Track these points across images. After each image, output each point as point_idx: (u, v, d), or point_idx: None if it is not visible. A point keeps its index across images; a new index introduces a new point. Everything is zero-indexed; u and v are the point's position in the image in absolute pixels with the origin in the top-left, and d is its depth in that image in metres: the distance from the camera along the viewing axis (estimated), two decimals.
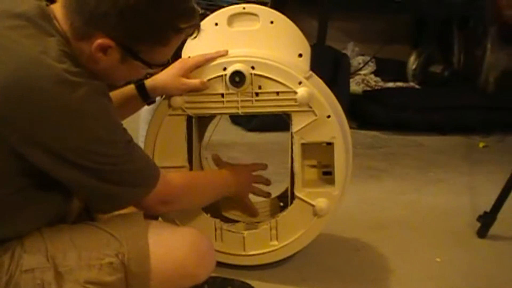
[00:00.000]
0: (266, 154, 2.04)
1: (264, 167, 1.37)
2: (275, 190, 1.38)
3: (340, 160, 1.22)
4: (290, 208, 1.25)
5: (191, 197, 1.10)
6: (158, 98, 1.22)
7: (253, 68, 1.18)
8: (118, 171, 0.91)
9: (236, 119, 2.50)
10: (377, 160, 2.12)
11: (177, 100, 1.20)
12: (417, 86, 3.07)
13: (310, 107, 1.19)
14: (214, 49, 1.21)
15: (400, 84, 3.06)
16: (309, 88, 1.18)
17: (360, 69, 3.07)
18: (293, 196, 1.25)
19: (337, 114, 1.24)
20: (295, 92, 1.18)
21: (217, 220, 1.27)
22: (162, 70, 1.13)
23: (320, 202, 1.23)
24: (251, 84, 1.18)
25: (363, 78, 3.02)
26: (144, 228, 0.97)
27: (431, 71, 3.09)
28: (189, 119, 1.23)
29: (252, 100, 1.19)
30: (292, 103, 1.19)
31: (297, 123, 1.20)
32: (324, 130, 1.20)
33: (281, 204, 1.39)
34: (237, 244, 1.26)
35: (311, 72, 1.24)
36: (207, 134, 1.39)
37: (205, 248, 1.02)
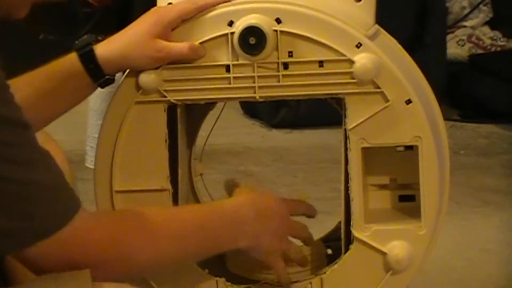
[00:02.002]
0: (301, 166, 2.05)
1: (312, 211, 1.36)
2: (319, 228, 1.38)
3: (430, 177, 1.21)
4: (345, 257, 1.25)
5: (142, 259, 1.06)
6: (118, 75, 1.23)
7: (278, 21, 1.17)
8: None
9: (252, 109, 2.51)
10: (496, 175, 2.12)
11: (151, 78, 1.19)
12: None
13: (378, 87, 1.17)
14: None
15: None
16: (374, 54, 1.17)
17: (465, 17, 3.03)
18: (349, 238, 1.25)
19: (423, 97, 1.22)
20: (351, 61, 1.17)
21: (221, 280, 1.27)
22: (122, 25, 1.16)
23: (397, 249, 1.22)
24: (276, 49, 1.17)
25: (471, 33, 2.97)
26: None
27: None
28: (171, 109, 1.23)
29: (277, 77, 1.18)
30: (346, 79, 1.18)
31: (355, 114, 1.19)
32: (402, 125, 1.19)
33: (329, 251, 1.38)
34: None
35: (377, 27, 1.22)
36: (201, 135, 1.38)
37: None
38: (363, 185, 1.22)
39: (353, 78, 1.17)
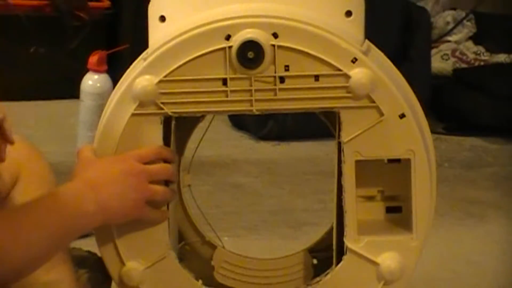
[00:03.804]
0: (289, 178, 2.05)
1: (170, 154, 1.25)
2: (306, 238, 1.37)
3: (422, 189, 1.21)
4: (337, 268, 1.24)
5: None
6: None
7: (275, 36, 1.16)
8: None
9: (240, 121, 2.50)
10: (480, 187, 2.13)
11: (148, 91, 1.18)
12: None
13: (372, 101, 1.17)
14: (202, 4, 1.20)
15: None
16: (369, 69, 1.17)
17: (450, 32, 3.04)
18: (341, 249, 1.24)
19: (413, 111, 1.22)
20: (347, 76, 1.17)
21: None
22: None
23: (389, 259, 1.22)
24: (274, 63, 1.17)
25: (455, 47, 2.98)
26: None
27: None
28: (166, 121, 1.22)
29: (274, 90, 1.18)
30: (342, 93, 1.17)
31: (350, 127, 1.19)
32: (396, 138, 1.19)
33: (314, 261, 1.39)
34: None
35: (368, 42, 1.22)
36: (189, 146, 1.38)
37: None
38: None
39: (348, 92, 1.17)
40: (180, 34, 1.18)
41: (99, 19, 2.37)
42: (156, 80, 1.18)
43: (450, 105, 2.56)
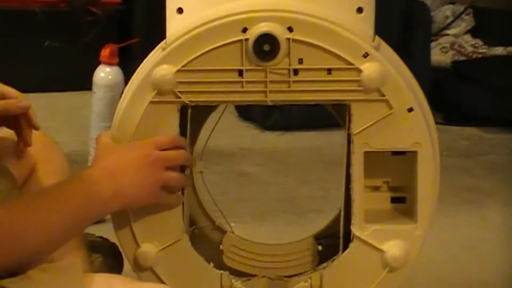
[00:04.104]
0: (294, 166, 2.07)
1: (184, 142, 1.25)
2: (309, 225, 1.38)
3: (426, 181, 1.23)
4: (344, 254, 1.26)
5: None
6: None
7: (290, 30, 1.17)
8: None
9: (246, 112, 2.50)
10: (477, 175, 2.14)
11: (167, 79, 1.20)
12: None
13: (382, 94, 1.19)
14: None
15: None
16: (380, 63, 1.18)
17: (448, 26, 3.02)
18: (347, 236, 1.26)
19: (421, 106, 1.24)
20: (359, 70, 1.18)
21: (225, 274, 1.28)
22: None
23: (394, 247, 1.23)
24: (288, 55, 1.17)
25: (453, 41, 2.96)
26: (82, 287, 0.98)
27: None
28: (182, 110, 1.23)
29: (288, 82, 1.19)
30: (353, 87, 1.18)
31: (360, 119, 1.20)
32: (403, 131, 1.20)
33: (319, 248, 1.40)
34: None
35: (378, 38, 1.23)
36: (201, 136, 1.39)
37: None
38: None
39: (359, 86, 1.18)
40: (199, 26, 1.19)
41: (111, 14, 2.37)
42: (175, 69, 1.19)
43: (449, 96, 2.54)
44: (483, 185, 2.08)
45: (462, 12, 3.02)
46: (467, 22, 3.04)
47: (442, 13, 3.03)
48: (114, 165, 1.16)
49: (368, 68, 1.18)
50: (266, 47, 1.17)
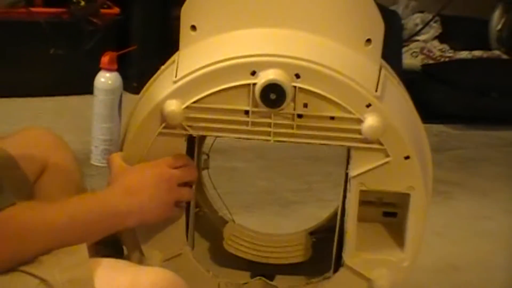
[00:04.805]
0: (279, 162, 2.02)
1: (191, 161, 1.22)
2: (294, 216, 1.36)
3: (417, 218, 1.19)
4: (334, 277, 1.23)
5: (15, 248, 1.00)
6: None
7: (297, 77, 1.11)
8: None
9: None
10: (445, 168, 2.12)
11: (176, 115, 1.14)
12: (505, 56, 3.03)
13: (381, 144, 1.13)
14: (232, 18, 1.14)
15: (478, 53, 3.02)
16: (382, 115, 1.12)
17: (418, 32, 3.04)
18: (338, 260, 1.23)
19: (420, 149, 1.19)
20: (360, 121, 1.12)
21: (223, 282, 1.26)
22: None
23: (381, 278, 1.20)
24: (293, 101, 1.12)
25: (423, 46, 3.00)
26: (88, 269, 0.97)
27: None
28: (189, 137, 1.19)
29: (292, 125, 1.13)
30: (354, 135, 1.13)
31: (358, 164, 1.15)
32: (399, 176, 1.15)
33: (313, 239, 1.37)
34: None
35: (384, 72, 1.18)
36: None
37: None
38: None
39: (360, 135, 1.12)
40: (210, 64, 1.13)
41: (110, 24, 2.37)
42: (184, 105, 1.13)
43: (419, 96, 2.55)
44: (452, 177, 2.08)
45: (431, 20, 3.07)
46: (435, 29, 3.08)
47: (412, 21, 3.07)
48: (131, 183, 1.13)
49: (369, 121, 1.12)
50: (273, 96, 1.11)
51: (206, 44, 1.17)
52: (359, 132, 1.13)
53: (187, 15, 1.18)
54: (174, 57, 1.22)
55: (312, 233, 1.38)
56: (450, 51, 3.01)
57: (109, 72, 1.74)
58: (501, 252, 1.67)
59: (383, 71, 1.17)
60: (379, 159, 1.14)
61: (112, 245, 1.43)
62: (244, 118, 1.14)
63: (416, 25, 3.07)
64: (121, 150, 1.24)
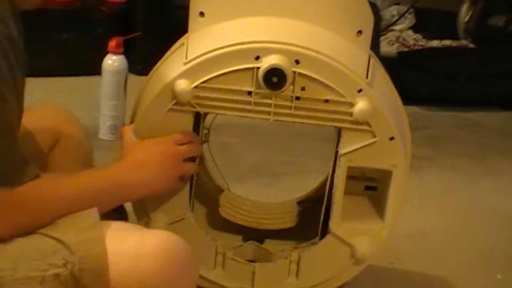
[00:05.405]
0: (268, 138, 2.02)
1: (196, 137, 1.21)
2: (281, 186, 1.35)
3: (397, 192, 1.20)
4: (320, 243, 1.24)
5: (36, 217, 1.00)
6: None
7: (297, 62, 1.11)
8: None
9: None
10: (417, 145, 2.09)
11: (186, 94, 1.13)
12: (471, 45, 3.02)
13: (370, 126, 1.14)
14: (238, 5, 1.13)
15: (448, 42, 3.02)
16: (371, 100, 1.12)
17: (394, 23, 3.03)
18: (324, 227, 1.24)
19: (402, 130, 1.20)
20: (352, 104, 1.12)
21: (220, 244, 1.26)
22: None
23: (362, 244, 1.22)
24: (292, 84, 1.12)
25: (398, 35, 2.99)
26: (100, 230, 0.97)
27: (491, 25, 3.03)
28: (196, 113, 1.18)
29: (290, 106, 1.13)
30: (346, 117, 1.13)
31: (347, 144, 1.16)
32: (383, 155, 1.16)
33: (301, 208, 1.38)
34: (244, 278, 1.26)
35: (373, 61, 1.18)
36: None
37: (184, 258, 1.01)
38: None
39: (351, 117, 1.13)
40: (217, 49, 1.12)
41: (116, 12, 2.36)
42: (193, 85, 1.13)
43: (394, 80, 2.57)
44: (423, 153, 2.07)
45: (406, 12, 3.06)
46: (409, 20, 3.08)
47: (389, 13, 3.06)
48: (140, 159, 1.12)
49: (361, 105, 1.13)
50: (274, 79, 1.11)
51: (213, 29, 1.17)
52: (350, 114, 1.13)
53: (196, 2, 1.17)
54: (183, 40, 1.21)
55: (300, 202, 1.39)
56: (422, 40, 3.01)
57: (115, 55, 1.75)
58: (465, 220, 1.68)
59: (372, 60, 1.18)
60: (367, 139, 1.15)
61: (118, 210, 1.43)
62: (247, 98, 1.14)
63: (393, 16, 3.06)
64: (130, 123, 1.24)
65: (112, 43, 1.76)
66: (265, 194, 1.53)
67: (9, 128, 0.96)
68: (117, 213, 1.36)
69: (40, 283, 0.93)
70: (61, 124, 1.28)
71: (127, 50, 1.79)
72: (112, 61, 1.77)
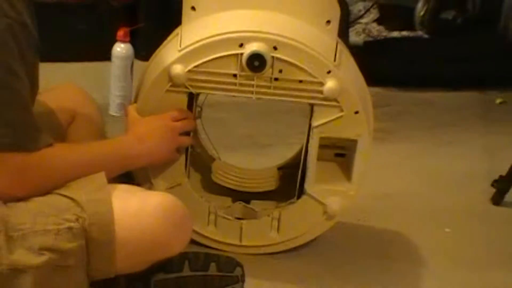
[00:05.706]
0: (256, 114, 2.01)
1: (191, 114, 1.22)
2: (266, 156, 1.35)
3: (362, 159, 1.22)
4: (297, 202, 1.26)
5: (52, 183, 1.01)
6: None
7: (275, 48, 1.13)
8: None
9: None
10: (380, 120, 2.10)
11: (181, 77, 1.15)
12: (426, 36, 3.06)
13: (338, 102, 1.16)
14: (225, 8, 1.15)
15: (406, 33, 3.05)
16: (339, 80, 1.14)
17: (361, 16, 3.04)
18: (301, 189, 1.26)
19: (365, 104, 1.21)
20: (322, 84, 1.14)
21: (212, 205, 1.28)
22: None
23: (333, 203, 1.24)
24: (271, 67, 1.14)
25: (364, 27, 2.99)
26: (107, 191, 0.99)
27: (442, 18, 3.06)
28: (190, 94, 1.19)
29: (270, 86, 1.15)
30: (317, 95, 1.15)
31: (319, 117, 1.18)
32: (349, 127, 1.18)
33: (281, 173, 1.39)
34: (233, 233, 1.28)
35: (340, 47, 1.19)
36: None
37: (180, 216, 1.03)
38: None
39: (322, 95, 1.15)
40: (207, 38, 1.14)
41: (124, 5, 2.36)
42: (186, 69, 1.15)
43: (360, 65, 2.59)
44: (385, 127, 2.05)
45: (371, 7, 3.08)
46: (374, 14, 3.09)
47: (356, 8, 3.09)
48: (142, 133, 1.14)
49: (330, 84, 1.15)
50: (256, 63, 1.13)
51: (203, 21, 1.18)
52: (321, 92, 1.15)
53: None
54: (177, 30, 1.22)
55: (280, 168, 1.41)
56: (385, 31, 3.03)
57: (123, 43, 1.78)
58: (420, 183, 1.70)
59: (339, 46, 1.20)
60: (335, 113, 1.17)
61: (126, 176, 1.45)
62: (233, 80, 1.15)
63: (360, 10, 3.06)
64: (134, 103, 1.25)
65: (120, 33, 1.78)
66: (253, 162, 1.52)
67: (20, 98, 0.95)
68: (126, 178, 1.39)
69: (56, 234, 0.94)
70: (78, 103, 1.28)
71: (133, 39, 1.82)
72: (121, 49, 1.79)
